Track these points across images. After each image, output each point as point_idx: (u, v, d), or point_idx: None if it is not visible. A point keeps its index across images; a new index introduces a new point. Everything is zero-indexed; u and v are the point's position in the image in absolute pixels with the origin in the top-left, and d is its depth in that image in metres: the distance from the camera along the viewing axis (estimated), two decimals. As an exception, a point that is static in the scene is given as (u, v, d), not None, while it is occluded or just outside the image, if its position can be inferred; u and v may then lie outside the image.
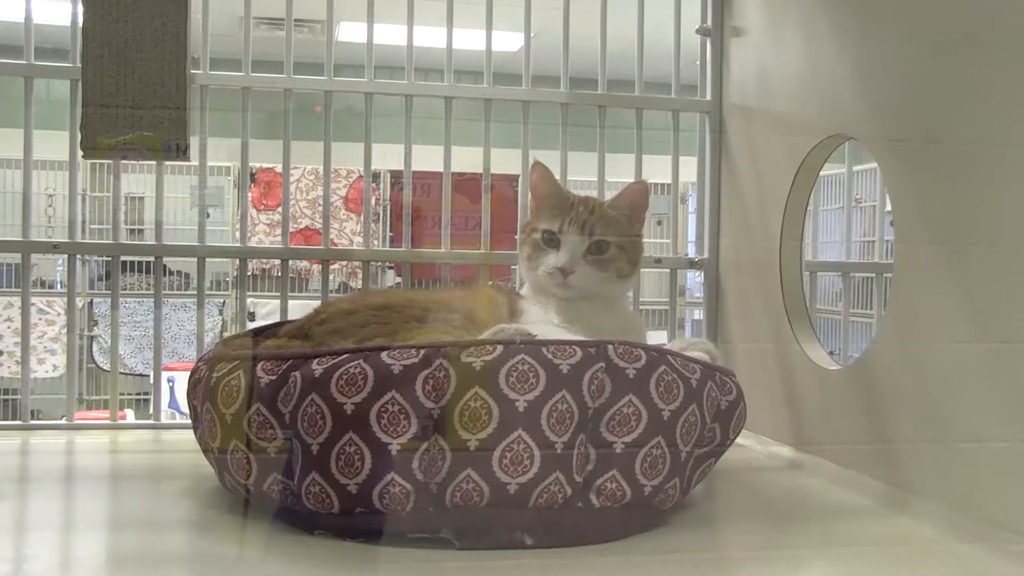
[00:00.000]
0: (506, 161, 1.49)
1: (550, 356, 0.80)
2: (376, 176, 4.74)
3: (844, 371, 1.12)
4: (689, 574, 0.82)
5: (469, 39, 1.48)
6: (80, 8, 1.30)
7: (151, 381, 1.47)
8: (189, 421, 0.98)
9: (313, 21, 4.41)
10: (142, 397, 4.27)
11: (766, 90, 1.34)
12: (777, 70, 1.31)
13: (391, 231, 4.70)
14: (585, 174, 1.51)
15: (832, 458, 1.11)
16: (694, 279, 1.55)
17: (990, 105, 0.88)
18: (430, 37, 1.44)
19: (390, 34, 1.47)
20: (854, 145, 1.19)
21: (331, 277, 1.45)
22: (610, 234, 1.13)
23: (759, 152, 1.36)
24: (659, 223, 3.87)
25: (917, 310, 0.98)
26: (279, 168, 1.45)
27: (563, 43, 1.45)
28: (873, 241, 3.05)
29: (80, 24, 1.30)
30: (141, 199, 4.58)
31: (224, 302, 4.52)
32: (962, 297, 0.91)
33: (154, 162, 1.34)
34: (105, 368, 4.38)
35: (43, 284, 4.68)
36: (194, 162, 1.35)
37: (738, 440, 1.25)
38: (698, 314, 1.61)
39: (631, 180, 1.46)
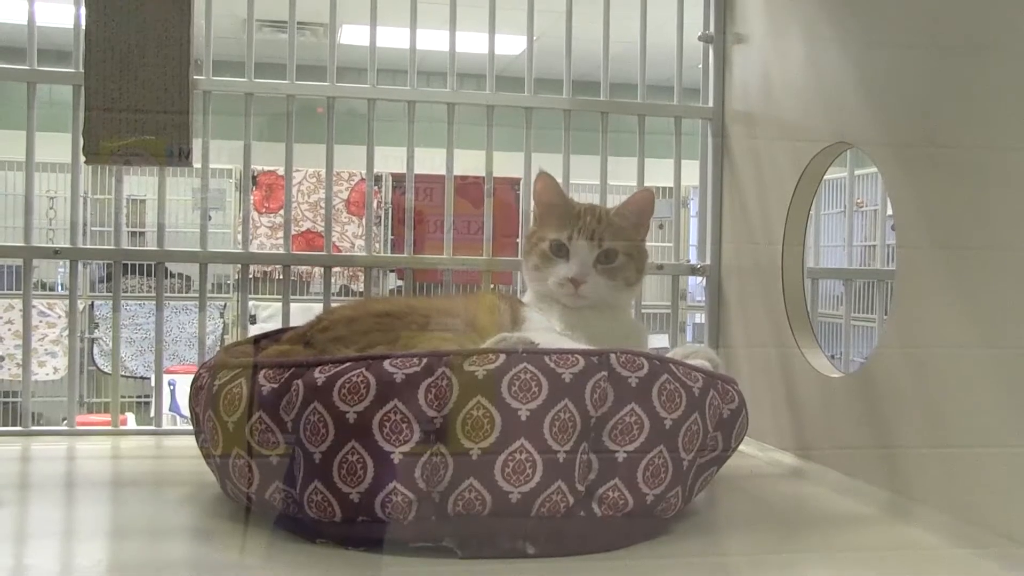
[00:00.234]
0: (509, 164, 1.48)
1: (552, 365, 0.80)
2: (378, 179, 4.74)
3: (847, 377, 1.12)
4: (691, 583, 0.82)
5: (472, 42, 1.48)
6: (83, 12, 1.30)
7: (152, 385, 1.47)
8: (190, 426, 0.98)
9: (316, 24, 4.42)
10: (143, 400, 4.27)
11: (768, 96, 1.34)
12: (779, 76, 1.31)
13: (392, 234, 4.70)
14: (587, 178, 1.51)
15: (835, 465, 1.10)
16: (695, 282, 1.55)
17: (992, 110, 0.88)
18: (433, 40, 1.44)
19: (393, 37, 1.47)
20: (855, 150, 1.18)
21: (332, 280, 1.45)
22: (618, 242, 1.12)
23: (761, 158, 1.36)
24: (661, 227, 3.87)
25: (920, 316, 0.98)
26: (281, 171, 1.45)
27: (566, 49, 1.45)
28: (875, 245, 3.05)
29: (83, 28, 1.30)
30: (143, 201, 4.58)
31: (225, 305, 4.53)
32: (965, 302, 0.91)
33: (156, 166, 1.34)
34: (106, 371, 4.38)
35: (44, 286, 4.68)
36: (196, 165, 1.35)
37: (740, 447, 1.25)
38: (699, 317, 1.61)
39: (633, 184, 1.47)
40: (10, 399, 4.28)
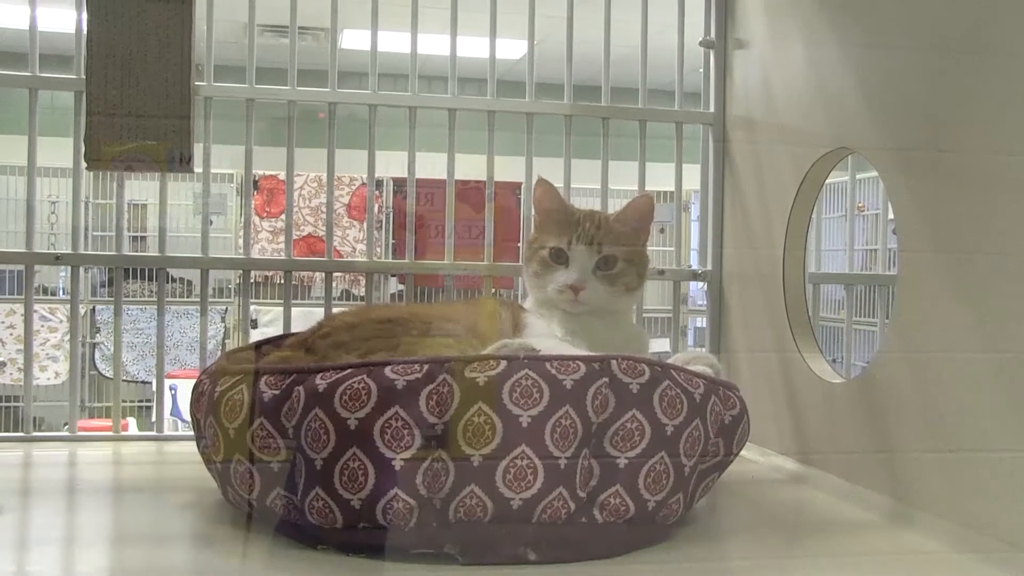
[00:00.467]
0: (510, 169, 1.49)
1: (554, 371, 0.80)
2: (379, 184, 4.74)
3: (848, 382, 1.12)
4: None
5: (473, 46, 1.48)
6: (85, 18, 1.30)
7: (153, 389, 1.47)
8: (191, 431, 0.98)
9: (317, 28, 4.42)
10: (144, 404, 4.27)
11: (769, 102, 1.34)
12: (780, 81, 1.31)
13: (394, 239, 4.70)
14: (588, 182, 1.51)
15: (836, 471, 1.10)
16: (697, 287, 1.55)
17: (994, 115, 0.88)
18: (434, 44, 1.44)
19: (394, 41, 1.47)
20: (857, 155, 1.18)
21: (334, 284, 1.45)
22: (618, 248, 1.12)
23: (762, 163, 1.36)
24: (662, 231, 3.86)
25: (921, 321, 0.98)
26: (282, 175, 1.45)
27: (567, 54, 1.45)
28: (876, 249, 3.05)
29: (85, 34, 1.30)
30: (144, 206, 4.59)
31: (227, 309, 4.53)
32: (967, 307, 0.91)
33: (158, 172, 1.34)
34: (107, 375, 4.38)
35: (46, 291, 4.69)
36: (198, 170, 1.35)
37: (741, 452, 1.25)
38: (701, 322, 1.61)
39: (635, 188, 1.47)
40: (12, 404, 4.28)
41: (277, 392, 0.83)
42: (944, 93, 0.95)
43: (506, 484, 0.78)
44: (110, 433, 1.38)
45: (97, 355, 4.51)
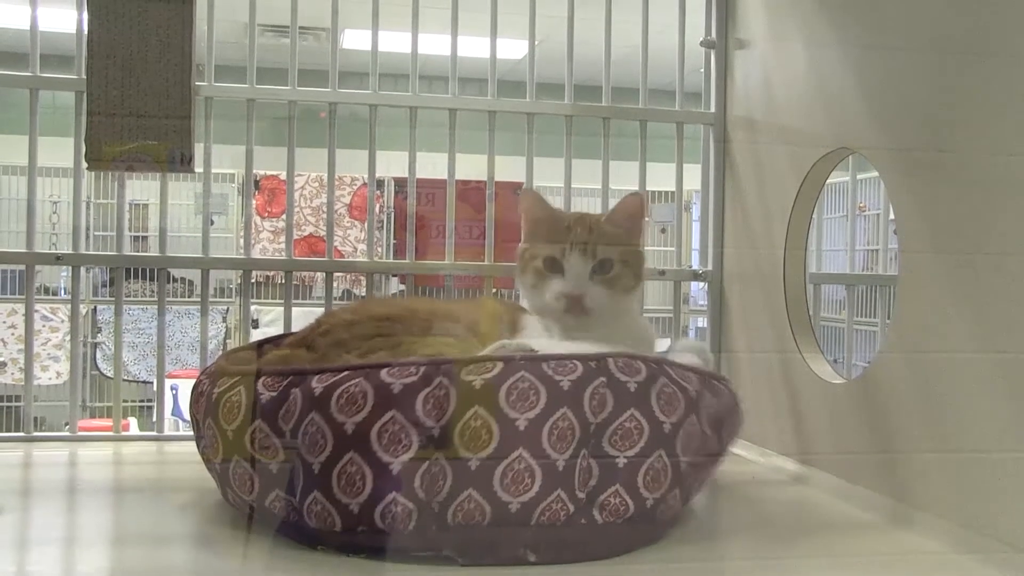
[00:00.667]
0: (511, 168, 1.49)
1: (550, 372, 0.80)
2: (380, 184, 4.74)
3: (848, 383, 1.12)
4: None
5: (474, 46, 1.48)
6: (85, 18, 1.30)
7: (154, 389, 1.47)
8: (192, 431, 0.98)
9: (318, 28, 4.42)
10: (146, 404, 4.27)
11: (770, 102, 1.34)
12: (781, 81, 1.31)
13: (395, 239, 4.70)
14: (589, 182, 1.51)
15: (836, 471, 1.10)
16: (698, 287, 1.55)
17: (995, 115, 0.88)
18: (435, 44, 1.44)
19: (395, 41, 1.47)
20: (857, 155, 1.18)
21: (335, 285, 1.45)
22: (612, 251, 1.09)
23: (763, 164, 1.36)
24: (663, 231, 3.87)
25: (922, 321, 0.98)
26: (283, 175, 1.45)
27: (567, 54, 1.45)
28: (877, 249, 3.05)
29: (85, 34, 1.30)
30: (145, 206, 4.59)
31: (228, 309, 4.53)
32: (968, 308, 0.91)
33: (159, 172, 1.34)
34: (109, 375, 4.38)
35: (47, 291, 4.69)
36: (198, 170, 1.35)
37: (741, 452, 1.25)
38: (702, 322, 1.61)
39: (635, 188, 1.47)
40: (13, 404, 4.28)
41: (275, 394, 0.83)
42: (944, 93, 0.95)
43: (504, 488, 0.77)
44: (110, 433, 1.38)
45: (98, 355, 4.52)
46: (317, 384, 0.81)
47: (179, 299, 4.44)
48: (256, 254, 4.36)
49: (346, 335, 0.98)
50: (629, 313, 1.18)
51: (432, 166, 1.51)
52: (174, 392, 3.25)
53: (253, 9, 1.39)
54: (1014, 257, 0.84)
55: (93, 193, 4.44)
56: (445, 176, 1.43)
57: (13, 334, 4.24)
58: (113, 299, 1.40)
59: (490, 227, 1.44)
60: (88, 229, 4.48)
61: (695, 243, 1.55)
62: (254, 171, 1.41)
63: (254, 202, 4.75)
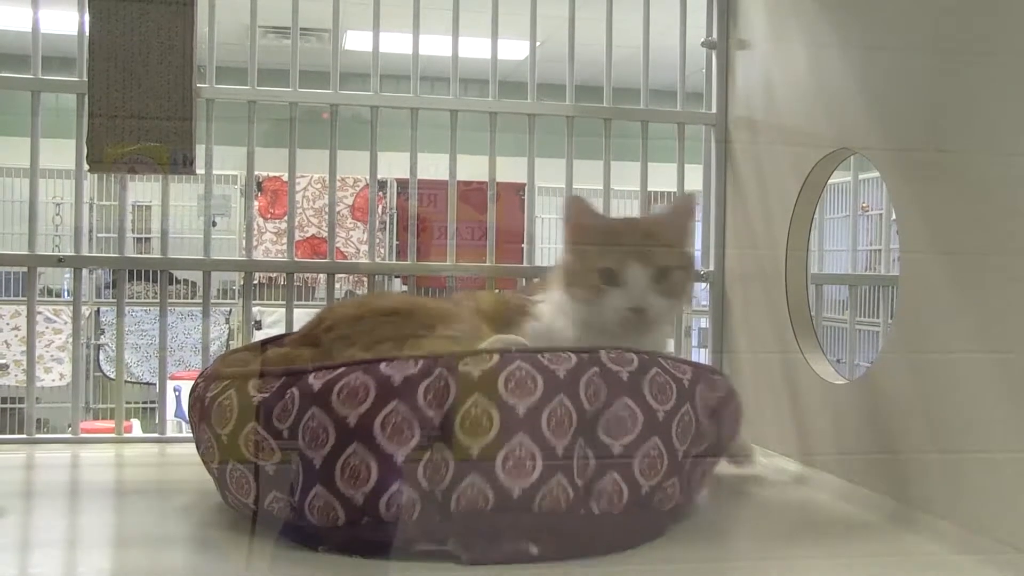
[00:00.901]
0: (512, 169, 1.49)
1: (546, 362, 0.82)
2: (383, 185, 4.75)
3: (850, 383, 1.12)
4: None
5: (475, 47, 1.48)
6: (87, 20, 1.30)
7: (157, 391, 1.47)
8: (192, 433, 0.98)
9: (320, 30, 4.43)
10: (149, 406, 4.27)
11: (771, 102, 1.34)
12: (782, 82, 1.31)
13: (397, 240, 4.70)
14: (590, 183, 1.51)
15: (838, 472, 1.10)
16: (699, 287, 1.55)
17: (997, 115, 0.88)
18: (437, 45, 1.44)
19: (397, 42, 1.47)
20: (859, 155, 1.18)
21: (337, 286, 1.46)
22: (670, 258, 1.05)
23: (764, 164, 1.36)
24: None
25: (924, 322, 0.98)
26: (286, 177, 1.45)
27: (568, 55, 1.45)
28: (879, 250, 3.05)
29: (87, 36, 1.30)
30: (148, 207, 4.60)
31: (231, 310, 4.53)
32: (970, 308, 0.90)
33: (161, 174, 1.34)
34: (112, 377, 4.39)
35: (50, 292, 4.70)
36: (200, 171, 1.35)
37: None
38: (704, 322, 1.61)
39: (636, 189, 1.47)
40: (17, 405, 4.29)
41: (267, 395, 0.83)
42: (946, 93, 0.94)
43: (506, 473, 0.78)
44: (113, 435, 1.38)
45: (101, 357, 4.52)
46: (314, 381, 0.81)
47: (182, 301, 4.44)
48: (259, 255, 4.37)
49: (350, 330, 0.98)
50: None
51: (434, 167, 1.51)
52: (177, 394, 3.26)
53: (254, 11, 1.39)
54: (1016, 257, 0.84)
55: (96, 195, 4.45)
56: (447, 177, 1.44)
57: (16, 336, 4.25)
58: (116, 301, 1.40)
59: (491, 228, 1.44)
60: (91, 231, 4.49)
61: (697, 243, 1.55)
62: (257, 173, 1.41)
63: (256, 204, 4.76)
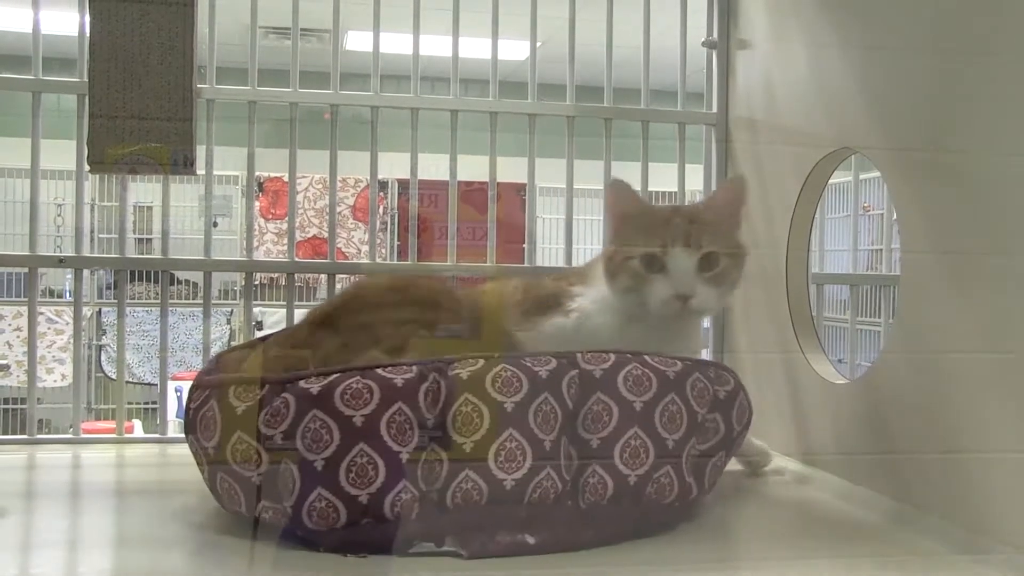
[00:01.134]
0: (514, 169, 1.49)
1: (529, 363, 0.85)
2: (384, 185, 4.75)
3: (851, 383, 1.12)
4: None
5: (475, 47, 1.48)
6: (87, 20, 1.30)
7: (159, 391, 1.47)
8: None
9: (321, 30, 4.43)
10: (150, 406, 4.28)
11: (771, 102, 1.34)
12: (782, 82, 1.31)
13: (398, 240, 4.70)
14: (591, 183, 1.51)
15: (839, 472, 1.10)
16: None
17: (996, 115, 0.88)
18: (437, 45, 1.45)
19: (397, 43, 1.47)
20: (860, 155, 1.18)
21: (339, 286, 1.46)
22: (717, 244, 1.00)
23: (765, 164, 1.35)
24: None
25: (924, 321, 0.98)
26: (287, 177, 1.45)
27: (569, 55, 1.45)
28: (881, 249, 3.05)
29: (87, 37, 1.30)
30: (150, 208, 4.60)
31: (232, 311, 4.53)
32: (970, 308, 0.90)
33: (161, 174, 1.34)
34: (113, 377, 4.39)
35: (52, 293, 4.71)
36: (201, 172, 1.35)
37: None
38: (705, 322, 1.61)
39: (637, 189, 1.46)
40: (19, 406, 4.29)
41: (251, 404, 0.84)
42: (946, 93, 0.94)
43: (498, 466, 0.81)
44: (113, 435, 1.38)
45: (103, 357, 4.52)
46: (312, 384, 0.82)
47: (183, 301, 4.44)
48: (260, 256, 4.37)
49: (374, 318, 0.99)
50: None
51: (435, 167, 1.51)
52: (178, 394, 3.25)
53: (255, 11, 1.39)
54: (1016, 257, 0.84)
55: (98, 196, 4.45)
56: (447, 177, 1.44)
57: (19, 336, 4.25)
58: (117, 301, 1.40)
59: (492, 228, 1.44)
60: (93, 232, 4.49)
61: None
62: (259, 173, 1.41)
63: (258, 204, 4.76)
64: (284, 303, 1.43)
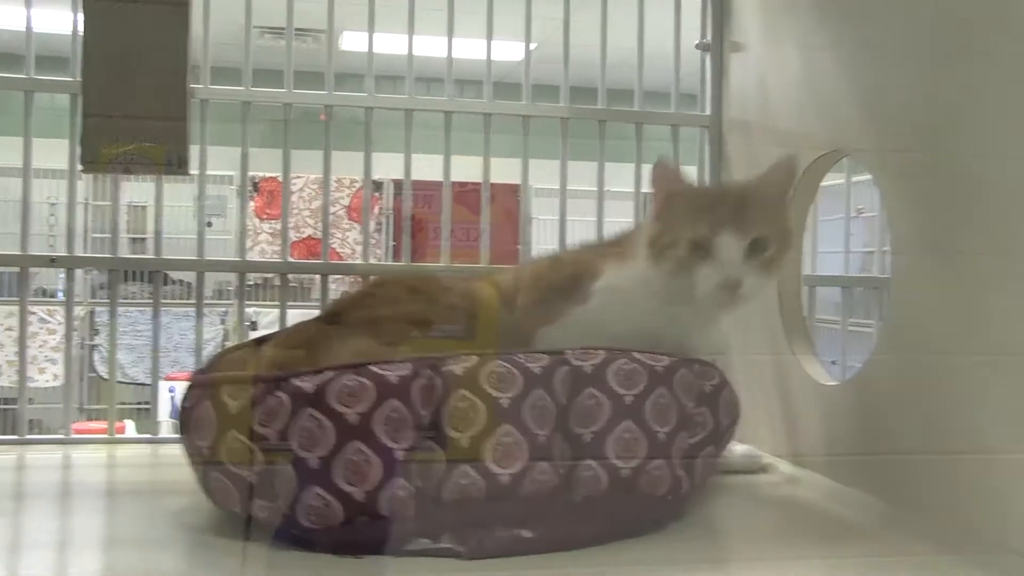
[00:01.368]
0: (508, 170, 1.49)
1: (522, 360, 0.85)
2: (380, 186, 4.74)
3: (842, 385, 1.12)
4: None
5: (470, 48, 1.48)
6: (81, 19, 1.30)
7: (151, 392, 1.46)
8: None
9: (316, 30, 4.42)
10: (143, 406, 4.26)
11: (765, 104, 1.34)
12: (776, 84, 1.31)
13: (394, 241, 4.70)
14: (585, 184, 1.51)
15: (829, 473, 1.10)
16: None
17: (987, 118, 0.88)
18: (432, 46, 1.45)
19: (392, 43, 1.47)
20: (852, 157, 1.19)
21: (333, 287, 1.45)
22: (766, 227, 0.95)
23: (758, 166, 1.35)
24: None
25: (915, 323, 0.98)
26: (282, 177, 1.45)
27: (563, 57, 1.45)
28: (873, 251, 3.05)
29: (81, 36, 1.30)
30: (144, 208, 4.59)
31: (227, 311, 4.52)
32: (960, 309, 0.91)
33: (155, 174, 1.34)
34: (106, 377, 4.38)
35: (44, 293, 4.69)
36: (194, 171, 1.35)
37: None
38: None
39: (630, 190, 1.47)
40: (10, 406, 4.28)
41: (243, 402, 0.84)
42: (937, 96, 0.95)
43: (495, 461, 0.81)
44: (105, 436, 1.37)
45: (96, 357, 4.51)
46: (305, 383, 0.82)
47: (177, 301, 4.43)
48: (255, 256, 4.37)
49: (390, 312, 1.00)
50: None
51: (429, 168, 1.51)
52: (172, 394, 3.25)
53: (249, 11, 1.39)
54: (1005, 258, 0.85)
55: (92, 195, 4.43)
56: (441, 178, 1.44)
57: (10, 336, 4.23)
58: (109, 301, 1.40)
59: (486, 229, 1.44)
60: (86, 231, 4.48)
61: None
62: (254, 173, 1.41)
63: (252, 204, 4.76)
64: (278, 303, 1.43)
